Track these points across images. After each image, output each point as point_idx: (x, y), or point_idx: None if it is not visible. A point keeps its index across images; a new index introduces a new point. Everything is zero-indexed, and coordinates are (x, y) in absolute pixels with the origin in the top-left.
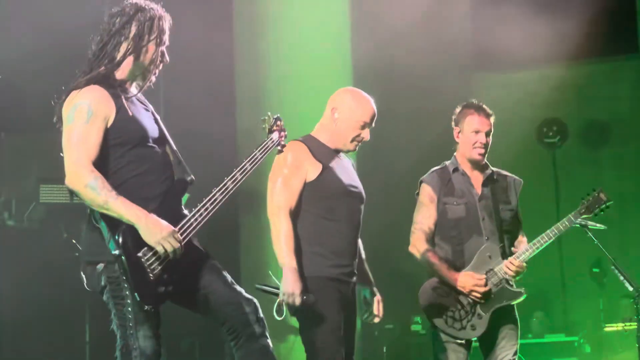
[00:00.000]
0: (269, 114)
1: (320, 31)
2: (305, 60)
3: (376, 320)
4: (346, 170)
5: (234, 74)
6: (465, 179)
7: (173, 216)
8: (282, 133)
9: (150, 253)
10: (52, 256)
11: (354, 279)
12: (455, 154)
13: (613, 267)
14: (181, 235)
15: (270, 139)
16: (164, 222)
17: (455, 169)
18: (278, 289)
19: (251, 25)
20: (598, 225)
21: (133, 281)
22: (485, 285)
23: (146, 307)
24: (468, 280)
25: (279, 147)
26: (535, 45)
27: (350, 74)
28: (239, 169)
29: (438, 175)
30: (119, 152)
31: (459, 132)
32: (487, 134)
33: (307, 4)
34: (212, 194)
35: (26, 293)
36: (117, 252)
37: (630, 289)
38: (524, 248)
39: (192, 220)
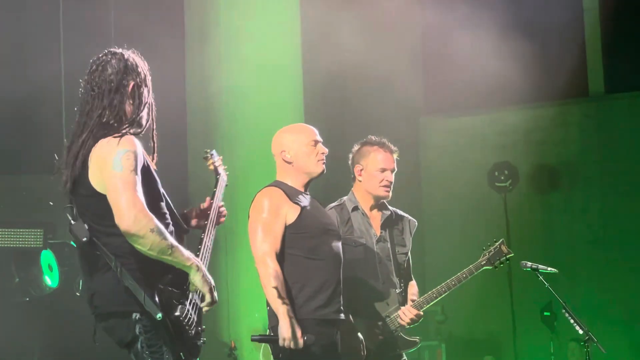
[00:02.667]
0: (207, 150)
1: (272, 46)
2: (257, 75)
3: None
4: (320, 210)
5: (185, 94)
6: (365, 219)
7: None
8: (224, 167)
9: (186, 310)
10: (2, 301)
11: (342, 315)
12: (352, 190)
13: (564, 311)
14: None
15: (222, 179)
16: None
17: (355, 208)
18: (275, 336)
19: (202, 39)
20: (549, 269)
21: (175, 339)
22: (380, 334)
23: None
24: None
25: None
26: (483, 89)
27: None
28: (209, 221)
29: (337, 212)
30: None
31: (361, 170)
32: (392, 171)
33: (258, 17)
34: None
35: None
36: (160, 315)
37: (581, 332)
38: (424, 297)
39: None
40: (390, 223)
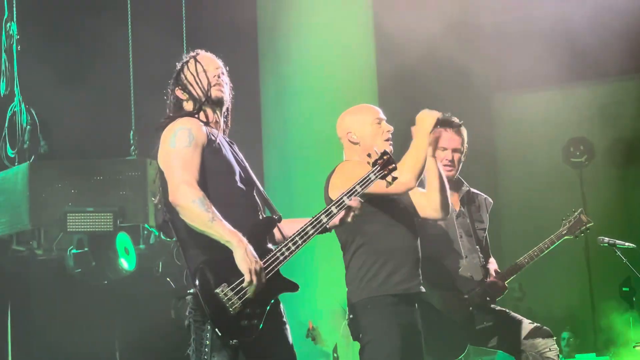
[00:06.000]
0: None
1: (344, 45)
2: (331, 75)
3: None
4: None
5: (259, 95)
6: None
7: (256, 251)
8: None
9: (228, 289)
10: (81, 284)
11: (422, 288)
12: None
13: None
14: (266, 267)
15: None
16: (257, 257)
17: None
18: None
19: (274, 40)
20: (627, 244)
21: (212, 317)
22: (465, 308)
23: (231, 342)
24: None
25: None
26: (558, 63)
27: (375, 92)
28: (335, 202)
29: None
30: (209, 184)
31: None
32: (455, 151)
33: (330, 16)
34: (303, 227)
35: (56, 322)
36: (192, 290)
37: None
38: (507, 269)
39: (278, 254)
40: (468, 199)
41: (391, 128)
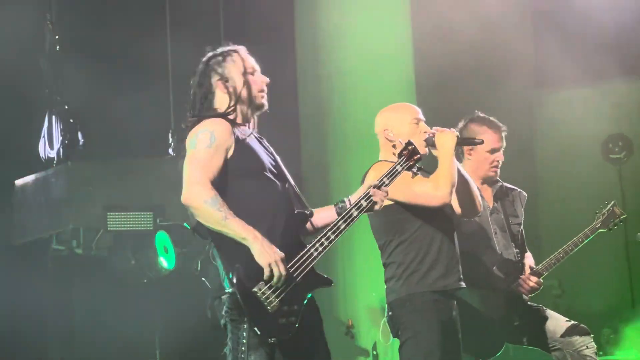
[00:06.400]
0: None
1: (382, 42)
2: (368, 72)
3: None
4: None
5: (297, 91)
6: None
7: (289, 247)
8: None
9: (265, 287)
10: (121, 283)
11: (462, 283)
12: (462, 164)
13: None
14: (301, 264)
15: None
16: (276, 248)
17: None
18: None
19: (313, 38)
20: None
21: (251, 316)
22: (502, 305)
23: (270, 340)
24: None
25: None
26: (596, 60)
27: (413, 89)
28: (363, 195)
29: None
30: (238, 184)
31: (470, 149)
32: (501, 149)
33: (368, 15)
34: (335, 222)
35: (97, 320)
36: (230, 289)
37: None
38: (542, 265)
39: (312, 250)
40: (501, 195)
41: (429, 129)
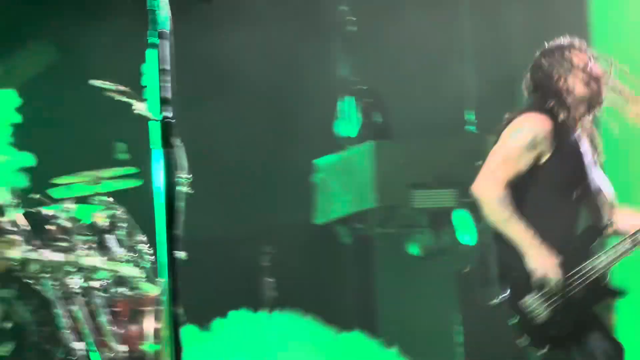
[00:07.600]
0: None
1: None
2: None
3: None
4: None
5: None
6: None
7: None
8: None
9: (534, 298)
10: (421, 261)
11: None
12: None
13: None
14: (582, 275)
15: None
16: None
17: None
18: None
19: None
20: None
21: (520, 326)
22: None
23: (539, 352)
24: None
25: None
26: None
27: None
28: None
29: None
30: (539, 194)
31: None
32: None
33: None
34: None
35: (399, 300)
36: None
37: None
38: None
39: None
40: None
41: None
